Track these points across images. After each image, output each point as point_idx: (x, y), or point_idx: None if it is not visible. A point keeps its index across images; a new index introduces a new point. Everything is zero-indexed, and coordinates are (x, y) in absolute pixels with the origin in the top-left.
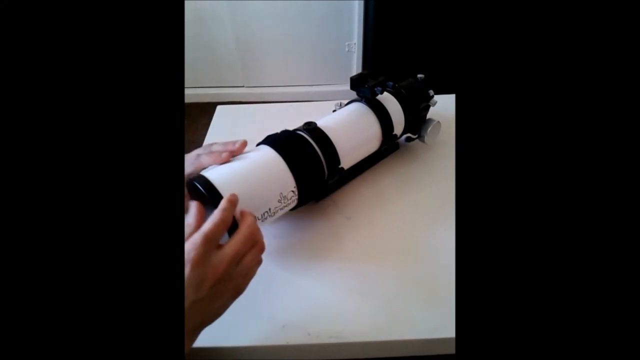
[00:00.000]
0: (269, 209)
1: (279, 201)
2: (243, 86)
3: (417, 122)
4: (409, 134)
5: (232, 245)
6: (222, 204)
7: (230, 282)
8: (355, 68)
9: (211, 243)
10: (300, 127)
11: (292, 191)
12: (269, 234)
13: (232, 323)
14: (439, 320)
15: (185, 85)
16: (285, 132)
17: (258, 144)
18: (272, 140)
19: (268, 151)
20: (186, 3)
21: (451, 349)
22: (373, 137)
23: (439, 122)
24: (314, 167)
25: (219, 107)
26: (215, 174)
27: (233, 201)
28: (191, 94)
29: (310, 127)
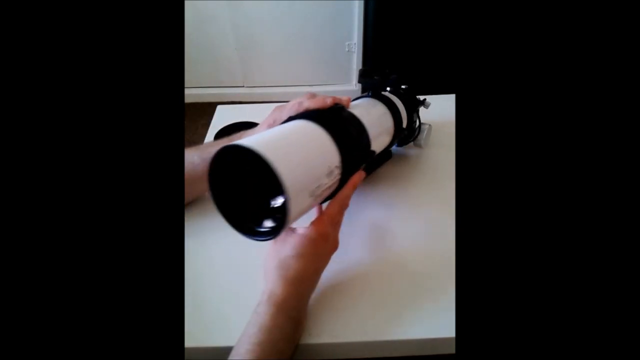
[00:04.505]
0: (319, 185)
1: (327, 176)
2: (243, 86)
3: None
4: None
5: (331, 207)
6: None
7: (330, 240)
8: (355, 68)
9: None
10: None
11: (337, 167)
12: None
13: (232, 323)
14: (439, 320)
15: (185, 85)
16: (318, 110)
17: (287, 120)
18: (308, 115)
19: (308, 123)
20: (186, 3)
21: (451, 349)
22: (390, 127)
23: (430, 125)
24: (358, 142)
25: (219, 107)
26: (269, 144)
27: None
28: (191, 94)
29: (338, 107)
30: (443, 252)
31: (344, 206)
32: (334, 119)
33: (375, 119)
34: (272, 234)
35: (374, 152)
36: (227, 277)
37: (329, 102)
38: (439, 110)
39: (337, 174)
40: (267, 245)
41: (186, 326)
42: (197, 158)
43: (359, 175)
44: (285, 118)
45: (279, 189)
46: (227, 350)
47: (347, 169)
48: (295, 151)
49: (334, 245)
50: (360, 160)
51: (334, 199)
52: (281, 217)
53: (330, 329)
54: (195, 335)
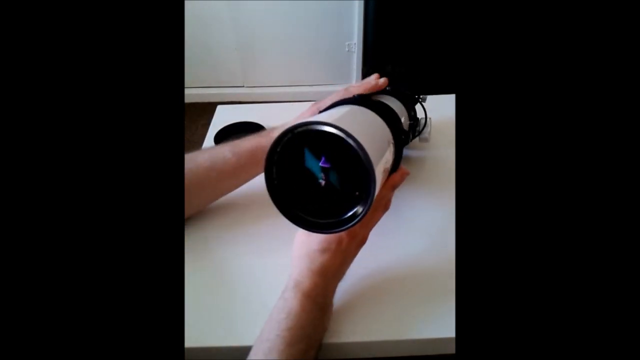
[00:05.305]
0: (386, 161)
1: (389, 150)
2: (243, 86)
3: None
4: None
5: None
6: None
7: (358, 237)
8: (356, 68)
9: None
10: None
11: (392, 143)
12: (270, 234)
13: (232, 323)
14: (439, 320)
15: (185, 85)
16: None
17: (323, 110)
18: (347, 101)
19: (352, 106)
20: (186, 3)
21: (451, 349)
22: (406, 119)
23: (430, 118)
24: (398, 123)
25: (219, 107)
26: (349, 125)
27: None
28: (191, 94)
29: (364, 95)
30: (443, 252)
31: (378, 207)
32: (370, 102)
33: (398, 107)
34: (356, 217)
35: (409, 133)
36: (228, 277)
37: (382, 83)
38: (439, 110)
39: (392, 151)
40: (269, 243)
41: (186, 327)
42: (228, 153)
43: (400, 174)
44: (325, 104)
45: (350, 169)
46: (227, 351)
47: (397, 147)
48: (362, 125)
49: (361, 241)
50: (402, 140)
51: None
52: (363, 197)
53: (330, 329)
54: (195, 336)
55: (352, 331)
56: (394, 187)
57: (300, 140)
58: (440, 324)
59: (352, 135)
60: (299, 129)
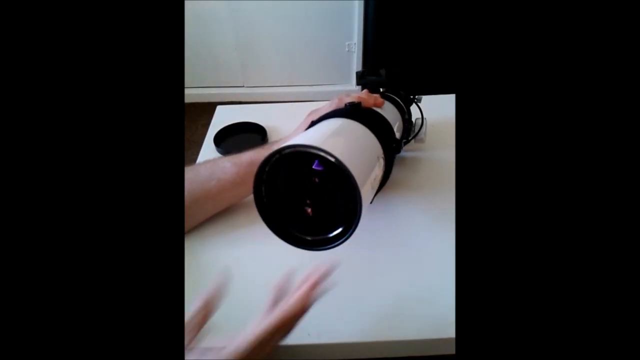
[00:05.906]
0: (375, 177)
1: (378, 166)
2: (243, 86)
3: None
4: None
5: (263, 328)
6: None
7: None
8: (355, 68)
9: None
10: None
11: (382, 158)
12: (269, 236)
13: (232, 323)
14: (439, 320)
15: (185, 85)
16: (340, 109)
17: (315, 122)
18: (338, 113)
19: (344, 120)
20: (186, 3)
21: (451, 349)
22: (400, 124)
23: (425, 118)
24: (390, 133)
25: (219, 107)
26: (336, 146)
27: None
28: (191, 94)
29: (356, 104)
30: (443, 252)
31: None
32: (361, 114)
33: (391, 113)
34: (342, 236)
35: (401, 141)
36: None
37: (380, 102)
38: (435, 110)
39: (382, 165)
40: (269, 245)
41: None
42: (228, 163)
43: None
44: (318, 115)
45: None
46: None
47: (388, 160)
48: (350, 144)
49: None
50: (394, 150)
51: (271, 315)
52: (349, 215)
53: (330, 329)
54: None
55: (351, 332)
56: (314, 287)
57: (289, 160)
58: (440, 324)
59: (337, 158)
60: (287, 151)
